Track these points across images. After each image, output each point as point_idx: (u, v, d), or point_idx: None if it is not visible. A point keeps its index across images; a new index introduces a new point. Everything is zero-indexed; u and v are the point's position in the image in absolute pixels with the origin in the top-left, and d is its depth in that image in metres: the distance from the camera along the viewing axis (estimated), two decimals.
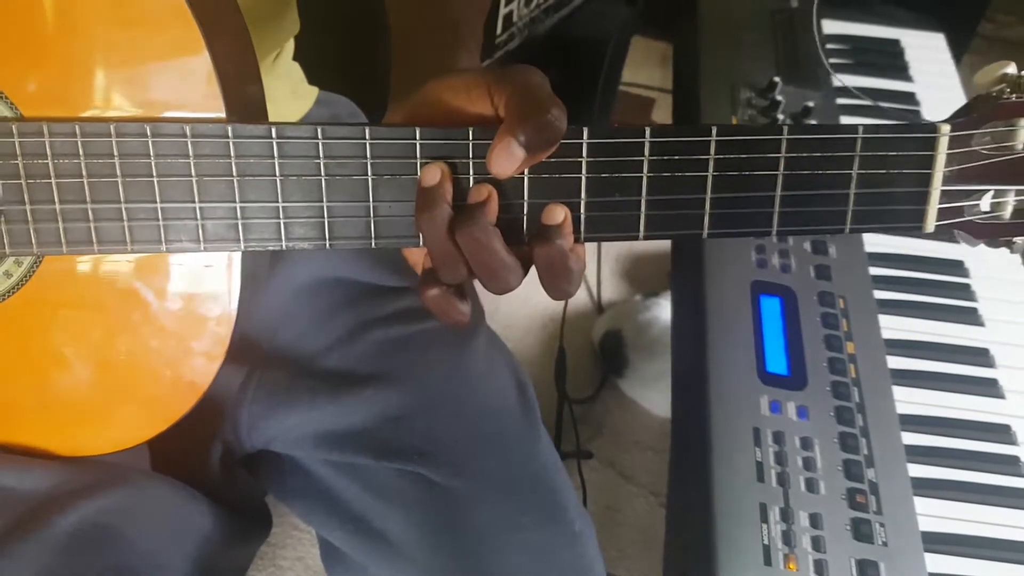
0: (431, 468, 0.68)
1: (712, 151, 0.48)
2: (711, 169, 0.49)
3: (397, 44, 0.62)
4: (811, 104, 1.00)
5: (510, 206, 0.49)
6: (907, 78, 1.12)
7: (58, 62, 0.49)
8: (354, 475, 0.71)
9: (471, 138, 0.48)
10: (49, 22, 0.48)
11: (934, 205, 0.50)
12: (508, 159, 0.46)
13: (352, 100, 0.86)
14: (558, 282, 0.50)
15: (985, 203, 0.51)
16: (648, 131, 0.48)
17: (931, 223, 0.51)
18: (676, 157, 0.49)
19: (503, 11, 1.29)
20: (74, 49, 0.48)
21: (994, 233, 0.52)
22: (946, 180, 0.50)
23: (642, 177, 0.49)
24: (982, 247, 0.53)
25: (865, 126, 0.49)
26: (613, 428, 1.52)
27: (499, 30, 1.31)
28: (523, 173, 0.49)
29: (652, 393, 1.53)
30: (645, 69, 2.09)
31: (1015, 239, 0.52)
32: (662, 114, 2.06)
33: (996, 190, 0.51)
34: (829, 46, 1.14)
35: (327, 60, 0.81)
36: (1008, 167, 0.50)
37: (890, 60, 1.15)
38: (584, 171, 0.49)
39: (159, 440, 0.56)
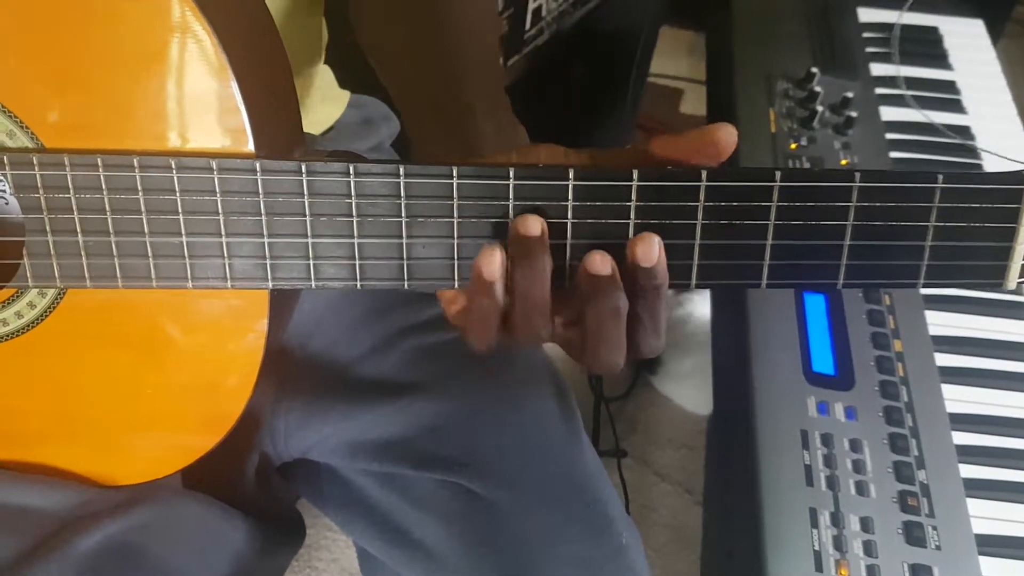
0: (472, 479, 0.67)
1: (775, 198, 0.45)
2: (773, 217, 0.45)
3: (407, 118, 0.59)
4: (850, 95, 0.98)
5: (553, 248, 0.47)
6: (947, 66, 1.10)
7: (81, 92, 0.47)
8: (393, 485, 0.70)
9: (511, 178, 0.46)
10: (72, 52, 0.47)
11: (1018, 261, 0.47)
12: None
13: (384, 102, 0.85)
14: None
15: None
16: (704, 174, 0.45)
17: (1013, 280, 0.47)
18: (735, 203, 0.45)
19: (532, 5, 1.27)
20: (97, 79, 0.47)
21: None
22: None
23: (696, 224, 0.46)
24: None
25: (945, 175, 0.45)
26: (647, 426, 1.51)
27: (528, 25, 1.29)
28: (567, 217, 0.46)
29: (685, 390, 1.51)
30: (673, 59, 2.06)
31: None
32: (691, 105, 2.04)
33: None
34: (866, 35, 1.12)
35: (358, 63, 0.80)
36: None
37: (929, 48, 1.13)
38: (632, 216, 0.46)
39: None
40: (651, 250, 0.45)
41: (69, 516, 0.56)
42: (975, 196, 0.46)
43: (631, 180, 0.45)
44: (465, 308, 0.49)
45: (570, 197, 0.46)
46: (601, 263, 0.45)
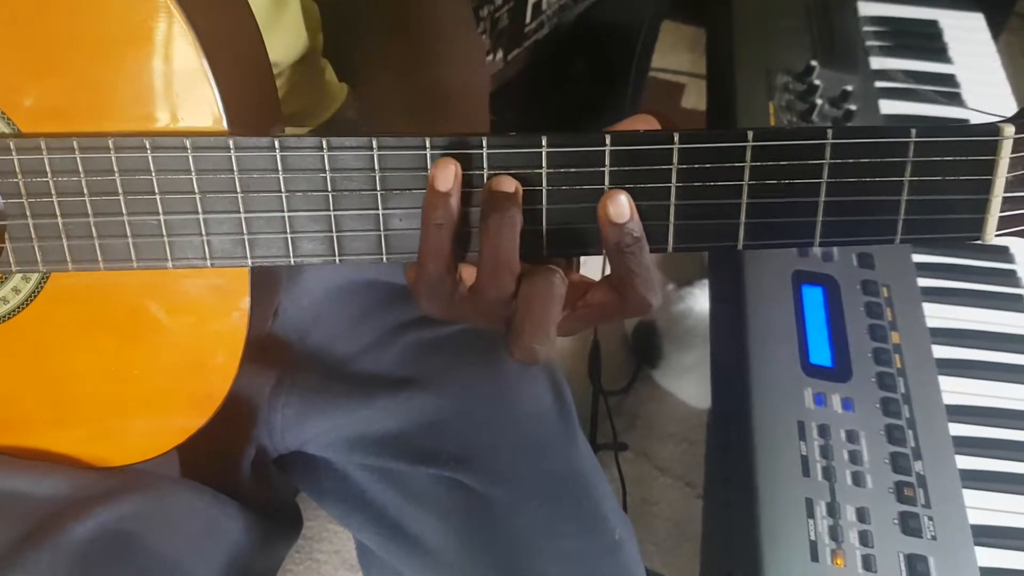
0: (468, 474, 0.67)
1: (748, 157, 0.45)
2: (747, 177, 0.45)
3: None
4: (849, 88, 0.98)
5: (529, 213, 0.46)
6: (946, 60, 1.10)
7: (54, 77, 0.48)
8: (390, 480, 0.70)
9: (485, 147, 0.46)
10: (43, 37, 0.47)
11: (995, 213, 0.46)
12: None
13: None
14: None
15: None
16: (677, 136, 0.45)
17: (991, 232, 0.47)
18: (708, 165, 0.45)
19: None
20: (69, 63, 0.47)
21: None
22: (1009, 186, 0.46)
23: (670, 187, 0.45)
24: None
25: (918, 128, 0.45)
26: (647, 419, 1.51)
27: (528, 19, 1.29)
28: (542, 184, 0.46)
29: (686, 384, 1.51)
30: (674, 54, 2.06)
31: None
32: (692, 99, 2.04)
33: None
34: (866, 28, 1.12)
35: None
36: None
37: (928, 42, 1.12)
38: (607, 181, 0.46)
39: (187, 446, 0.55)
40: (622, 207, 0.45)
41: (61, 502, 0.55)
42: (950, 149, 0.45)
43: (604, 145, 0.45)
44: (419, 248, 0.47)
45: (544, 164, 0.46)
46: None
